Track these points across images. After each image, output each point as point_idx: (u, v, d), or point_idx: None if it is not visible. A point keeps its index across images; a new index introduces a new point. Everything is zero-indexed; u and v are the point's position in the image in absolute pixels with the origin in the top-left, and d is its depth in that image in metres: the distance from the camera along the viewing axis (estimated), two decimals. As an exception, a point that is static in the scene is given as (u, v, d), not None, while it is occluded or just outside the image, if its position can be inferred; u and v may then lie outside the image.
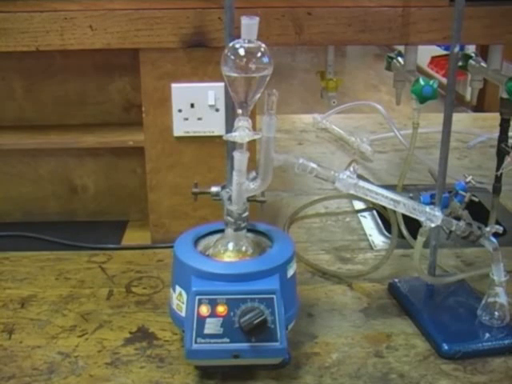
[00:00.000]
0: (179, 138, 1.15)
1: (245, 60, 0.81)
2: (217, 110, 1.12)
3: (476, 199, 0.97)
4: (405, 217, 0.98)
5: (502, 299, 0.93)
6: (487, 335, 0.93)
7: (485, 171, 1.48)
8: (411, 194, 1.15)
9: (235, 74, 0.81)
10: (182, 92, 1.12)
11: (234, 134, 0.83)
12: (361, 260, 1.16)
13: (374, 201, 0.89)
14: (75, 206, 1.30)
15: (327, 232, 1.27)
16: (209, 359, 0.83)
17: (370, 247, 1.21)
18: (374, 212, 1.35)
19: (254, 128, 0.86)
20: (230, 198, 0.87)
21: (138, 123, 1.15)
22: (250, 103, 0.84)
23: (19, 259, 1.15)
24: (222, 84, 0.95)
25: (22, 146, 1.21)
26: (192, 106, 1.12)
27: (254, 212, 0.93)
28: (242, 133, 0.82)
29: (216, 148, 1.13)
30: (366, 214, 1.35)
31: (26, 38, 1.07)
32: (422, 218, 0.90)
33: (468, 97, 4.22)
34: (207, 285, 0.83)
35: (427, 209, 0.90)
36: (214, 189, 0.94)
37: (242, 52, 0.81)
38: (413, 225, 1.02)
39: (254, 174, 0.86)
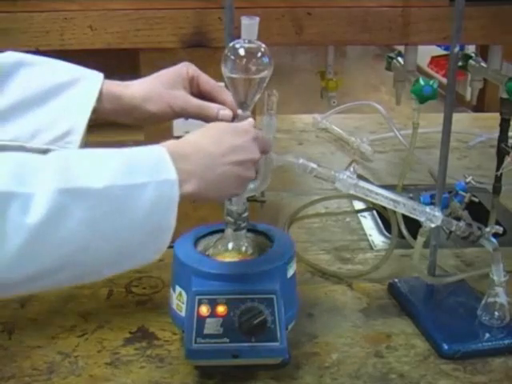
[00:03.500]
0: (179, 138, 1.14)
1: (245, 60, 0.81)
2: (217, 110, 1.12)
3: (476, 199, 0.97)
4: (405, 217, 0.98)
5: (502, 299, 0.93)
6: (487, 335, 0.93)
7: (485, 171, 1.48)
8: (411, 194, 1.15)
9: (235, 75, 0.81)
10: (182, 92, 1.11)
11: (234, 134, 0.83)
12: (361, 260, 1.16)
13: (374, 201, 0.89)
14: (75, 205, 1.29)
15: (327, 232, 1.27)
16: (208, 359, 0.83)
17: (370, 247, 1.21)
18: (374, 212, 1.34)
19: (253, 128, 0.86)
20: (230, 198, 0.87)
21: (138, 123, 1.15)
22: (250, 103, 0.84)
23: (19, 259, 1.15)
24: (222, 84, 0.95)
25: (22, 146, 1.20)
26: (192, 105, 1.12)
27: (254, 212, 0.93)
28: (242, 133, 0.82)
29: (216, 148, 1.13)
30: (365, 214, 1.35)
31: (25, 38, 1.07)
32: (422, 219, 0.90)
33: (468, 97, 4.19)
34: (207, 285, 0.83)
35: (427, 209, 0.90)
36: (214, 189, 0.94)
37: (242, 52, 0.81)
38: (413, 225, 1.02)
39: (253, 174, 0.86)
